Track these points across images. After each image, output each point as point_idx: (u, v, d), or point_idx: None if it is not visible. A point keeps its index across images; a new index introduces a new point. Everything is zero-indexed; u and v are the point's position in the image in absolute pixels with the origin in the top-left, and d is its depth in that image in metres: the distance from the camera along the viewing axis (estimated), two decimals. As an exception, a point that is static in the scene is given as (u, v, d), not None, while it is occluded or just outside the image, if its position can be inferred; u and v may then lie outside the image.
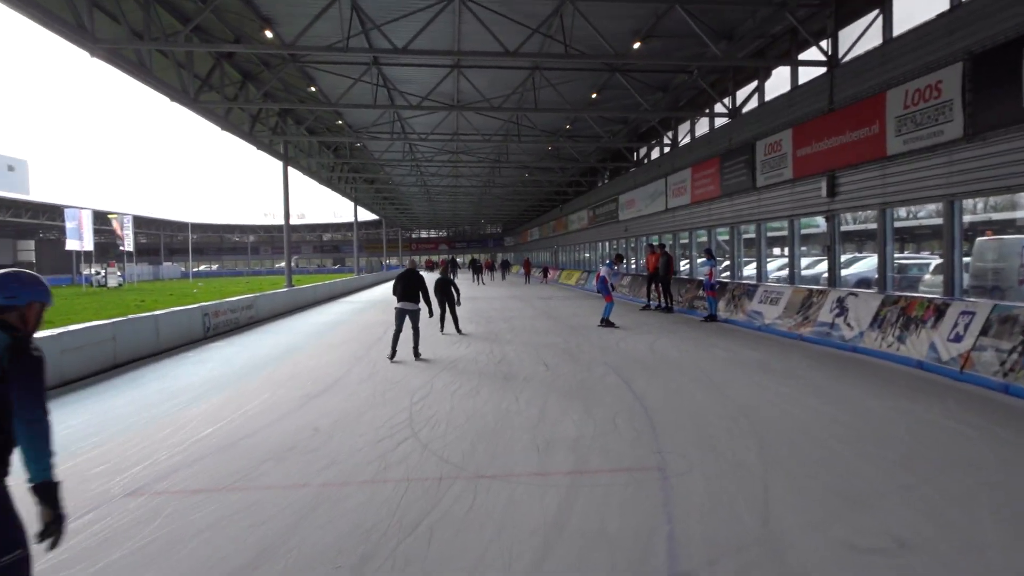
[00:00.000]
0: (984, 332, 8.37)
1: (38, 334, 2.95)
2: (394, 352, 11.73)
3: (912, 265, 18.71)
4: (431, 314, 13.51)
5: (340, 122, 28.01)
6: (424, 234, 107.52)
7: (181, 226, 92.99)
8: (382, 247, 68.95)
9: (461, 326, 15.30)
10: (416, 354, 11.80)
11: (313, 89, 22.47)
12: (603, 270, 15.98)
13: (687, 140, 25.02)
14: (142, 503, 4.94)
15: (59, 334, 9.96)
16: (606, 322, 15.55)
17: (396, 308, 11.88)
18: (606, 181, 38.22)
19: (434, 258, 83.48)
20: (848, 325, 11.42)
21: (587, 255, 42.26)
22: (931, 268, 17.30)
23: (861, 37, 14.28)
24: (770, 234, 19.82)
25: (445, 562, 3.87)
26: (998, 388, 7.77)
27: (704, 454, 5.67)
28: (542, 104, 22.03)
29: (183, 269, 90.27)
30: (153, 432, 6.97)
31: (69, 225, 48.97)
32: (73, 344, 10.16)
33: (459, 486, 5.07)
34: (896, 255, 17.95)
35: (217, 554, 4.04)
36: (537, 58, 16.63)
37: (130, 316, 12.76)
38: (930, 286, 15.22)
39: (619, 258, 20.52)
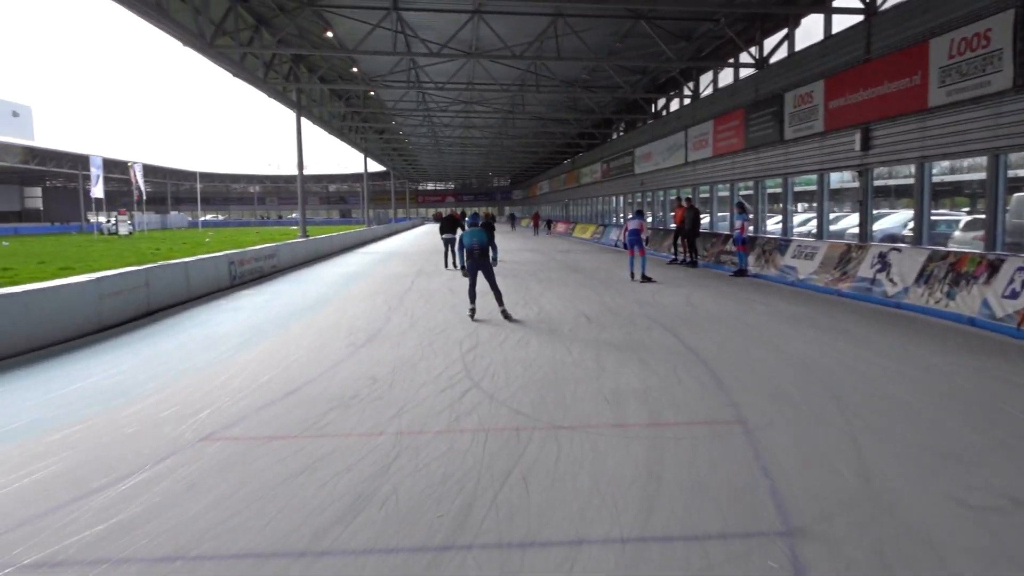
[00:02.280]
0: (1044, 288, 8.24)
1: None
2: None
3: (940, 222, 18.48)
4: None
5: (355, 70, 27.46)
6: (431, 186, 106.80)
7: (187, 175, 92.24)
8: (390, 199, 68.36)
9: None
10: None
11: (330, 35, 21.93)
12: (634, 223, 15.67)
13: (709, 91, 24.50)
14: (219, 449, 4.86)
15: (97, 279, 9.86)
16: (644, 277, 15.35)
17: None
18: (621, 133, 37.66)
19: (442, 211, 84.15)
20: (891, 281, 11.26)
21: (600, 208, 41.98)
22: (961, 224, 17.08)
23: (903, -18, 13.83)
24: (797, 188, 19.55)
25: (549, 512, 3.78)
26: (1060, 345, 7.67)
27: (780, 408, 5.58)
28: (563, 52, 21.53)
29: (190, 218, 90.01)
30: (210, 378, 6.90)
31: (94, 172, 48.47)
32: (111, 289, 10.07)
33: (539, 436, 4.98)
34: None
35: (312, 501, 3.97)
36: (563, 3, 16.19)
37: (162, 263, 12.66)
38: (960, 243, 15.02)
39: (640, 213, 20.29)
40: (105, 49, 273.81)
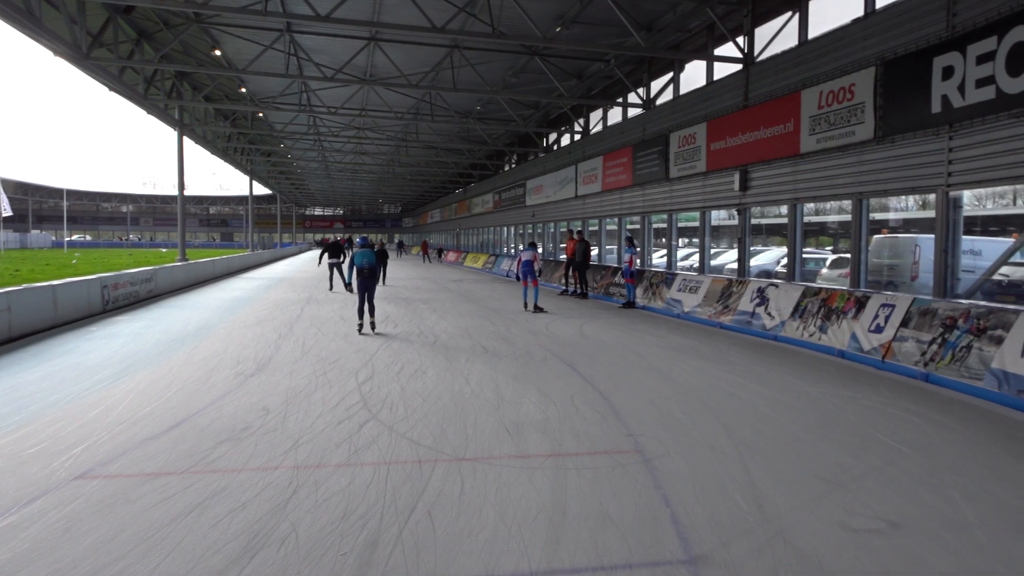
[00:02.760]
0: (904, 324, 8.91)
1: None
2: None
3: (809, 259, 19.76)
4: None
5: (243, 90, 26.66)
6: (319, 211, 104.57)
7: (53, 192, 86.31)
8: (276, 223, 66.39)
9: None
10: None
11: (217, 53, 21.23)
12: (527, 254, 15.92)
13: (599, 128, 25.35)
14: (97, 487, 4.51)
15: (-51, 303, 9.02)
16: (537, 307, 15.57)
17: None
18: (513, 165, 38.27)
19: (328, 237, 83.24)
20: (769, 315, 11.91)
21: (491, 238, 42.40)
22: (827, 262, 18.32)
23: (776, 36, 14.83)
24: (680, 224, 20.44)
25: (456, 546, 3.73)
26: (919, 377, 8.29)
27: (675, 437, 5.75)
28: (459, 84, 21.76)
29: (54, 238, 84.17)
30: (82, 410, 6.41)
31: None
32: (-35, 314, 9.23)
33: (442, 469, 4.92)
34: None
35: (204, 542, 3.73)
36: (460, 36, 16.40)
37: (26, 285, 11.70)
38: (827, 279, 16.09)
39: (533, 245, 20.64)
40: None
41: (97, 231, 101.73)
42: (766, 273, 18.43)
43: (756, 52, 15.38)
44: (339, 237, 28.55)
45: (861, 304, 9.95)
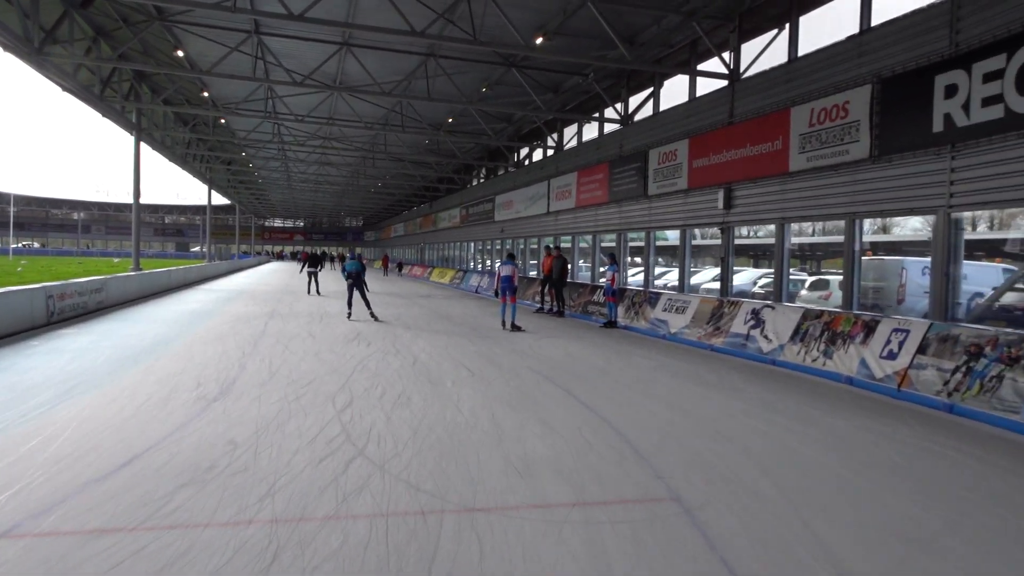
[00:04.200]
0: (922, 351, 8.38)
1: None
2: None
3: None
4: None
5: (205, 94, 25.53)
6: (279, 223, 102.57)
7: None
8: (234, 234, 64.55)
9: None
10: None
11: (180, 54, 20.14)
12: (506, 268, 15.17)
13: (573, 144, 24.85)
14: (24, 550, 3.60)
15: None
16: (515, 326, 14.80)
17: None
18: (482, 180, 37.60)
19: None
20: (766, 337, 11.34)
21: (457, 254, 41.62)
22: (807, 284, 17.98)
23: (763, 53, 14.46)
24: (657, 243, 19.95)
25: (490, 636, 2.96)
26: (941, 407, 7.73)
27: (710, 481, 5.03)
28: (433, 94, 21.04)
29: (1, 245, 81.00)
30: (14, 443, 5.43)
31: None
32: None
33: (451, 523, 4.11)
34: (767, 271, 18.64)
35: (164, 633, 2.90)
36: (439, 41, 15.68)
37: (-43, 295, 10.60)
38: (806, 301, 15.70)
39: (512, 257, 19.92)
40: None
41: (46, 238, 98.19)
42: (742, 293, 18.02)
43: (743, 68, 15.00)
44: (315, 250, 33.77)
45: (870, 328, 9.41)
